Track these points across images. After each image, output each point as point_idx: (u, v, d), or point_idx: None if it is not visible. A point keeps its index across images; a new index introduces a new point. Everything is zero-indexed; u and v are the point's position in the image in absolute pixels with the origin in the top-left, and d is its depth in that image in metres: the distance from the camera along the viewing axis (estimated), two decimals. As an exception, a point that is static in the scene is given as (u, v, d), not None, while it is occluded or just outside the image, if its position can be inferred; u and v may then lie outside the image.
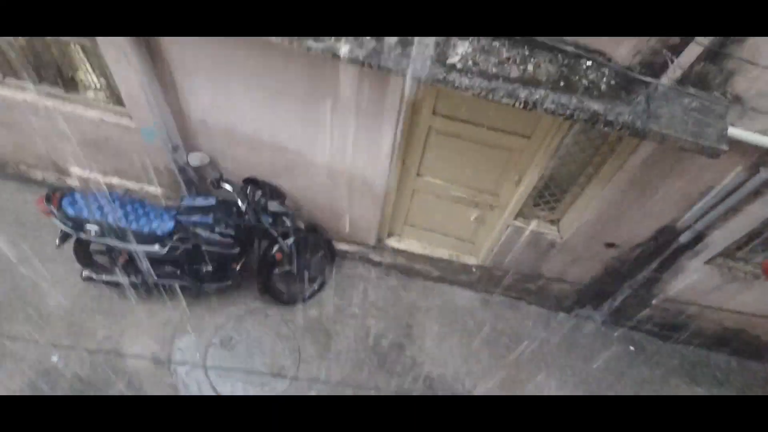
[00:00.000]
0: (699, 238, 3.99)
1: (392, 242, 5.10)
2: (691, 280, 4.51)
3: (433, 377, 4.82)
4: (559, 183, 4.07)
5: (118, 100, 4.09)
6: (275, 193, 4.39)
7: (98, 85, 4.15)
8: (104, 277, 4.44)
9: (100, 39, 3.44)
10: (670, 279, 4.57)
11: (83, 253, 4.42)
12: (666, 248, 4.18)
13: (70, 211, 3.94)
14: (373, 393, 4.65)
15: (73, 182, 5.04)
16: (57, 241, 4.15)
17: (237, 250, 4.34)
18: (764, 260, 1.49)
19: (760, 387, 5.22)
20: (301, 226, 4.61)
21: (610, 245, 4.31)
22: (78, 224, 3.99)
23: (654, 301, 4.91)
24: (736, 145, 3.01)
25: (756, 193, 3.45)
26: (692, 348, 5.40)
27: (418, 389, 4.74)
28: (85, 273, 4.41)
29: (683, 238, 4.01)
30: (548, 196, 4.21)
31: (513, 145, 3.78)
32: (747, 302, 4.55)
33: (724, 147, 2.77)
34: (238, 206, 4.15)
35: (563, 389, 4.90)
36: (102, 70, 3.94)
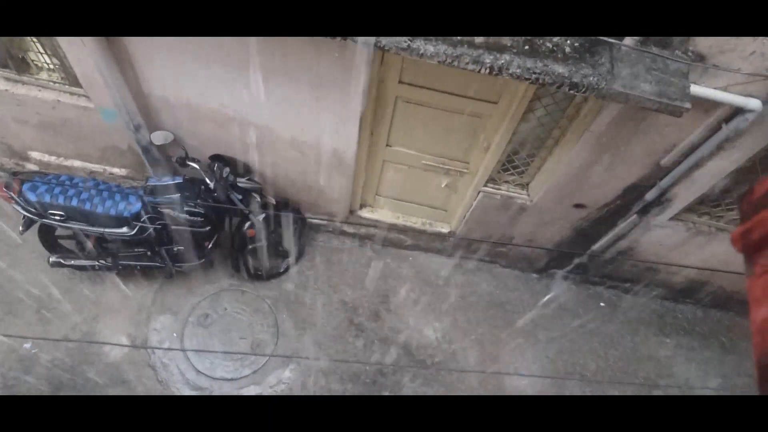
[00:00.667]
0: (664, 194, 4.07)
1: (365, 213, 5.10)
2: (658, 236, 4.63)
3: (412, 344, 4.90)
4: (528, 147, 4.10)
5: (74, 81, 3.93)
6: (243, 169, 4.33)
7: (52, 66, 3.99)
8: (73, 261, 4.37)
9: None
10: (637, 236, 4.67)
11: (49, 239, 4.32)
12: (632, 206, 4.27)
13: (32, 197, 3.83)
14: (353, 362, 4.72)
15: (32, 167, 4.88)
16: (21, 227, 4.05)
17: (208, 228, 4.29)
18: (732, 232, 1.53)
19: (724, 334, 5.44)
20: (272, 201, 4.57)
21: (578, 206, 4.38)
22: (41, 209, 3.89)
23: (622, 258, 5.04)
24: (699, 102, 3.05)
25: (719, 149, 3.52)
26: (660, 301, 5.58)
27: (396, 356, 4.82)
28: (53, 258, 4.33)
29: (649, 196, 4.09)
30: (517, 161, 4.23)
31: (481, 111, 3.77)
32: (711, 255, 4.69)
33: (687, 105, 2.81)
34: (206, 184, 4.09)
35: (539, 350, 5.04)
36: (54, 50, 3.78)
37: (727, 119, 3.26)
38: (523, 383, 4.84)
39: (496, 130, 3.87)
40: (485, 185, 4.38)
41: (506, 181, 4.43)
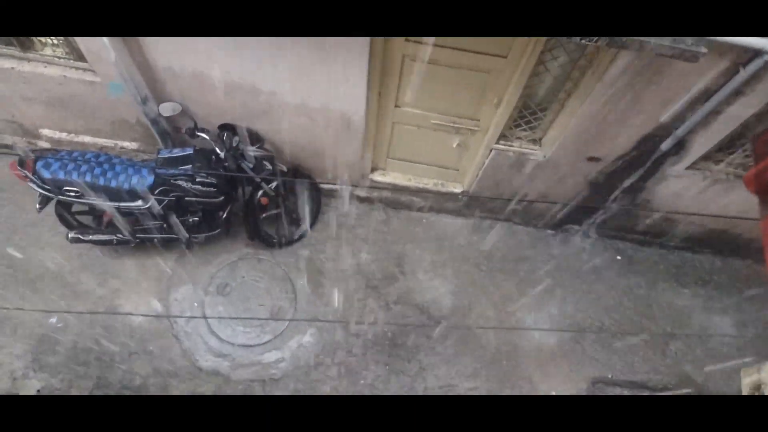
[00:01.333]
0: (680, 144, 4.00)
1: (376, 176, 5.07)
2: (674, 186, 4.57)
3: (429, 304, 4.95)
4: (539, 101, 4.02)
5: (79, 56, 3.91)
6: (253, 137, 4.31)
7: (55, 41, 3.96)
8: (91, 236, 4.42)
9: None
10: (653, 187, 4.62)
11: (66, 215, 4.38)
12: (648, 157, 4.20)
13: (46, 174, 3.87)
14: (371, 325, 4.78)
15: (44, 144, 4.91)
16: (37, 205, 4.10)
17: (221, 198, 4.31)
18: (745, 174, 1.48)
19: (743, 283, 5.41)
20: (283, 168, 4.57)
21: (592, 159, 4.31)
22: (56, 186, 3.94)
23: (638, 210, 4.99)
24: (715, 46, 2.95)
25: (736, 94, 3.43)
26: (677, 252, 5.54)
27: (414, 317, 4.87)
28: (71, 234, 4.39)
29: (664, 146, 4.02)
30: (529, 116, 4.16)
31: (490, 66, 3.69)
32: (729, 203, 4.63)
33: (703, 49, 2.73)
34: (217, 154, 4.09)
35: (556, 305, 5.06)
36: (56, 24, 3.75)
37: (745, 62, 3.15)
38: (540, 337, 4.88)
39: (506, 85, 3.79)
40: (497, 142, 4.32)
41: (518, 138, 4.37)
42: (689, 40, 2.72)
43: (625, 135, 3.98)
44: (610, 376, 4.80)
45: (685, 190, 4.59)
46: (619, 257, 5.45)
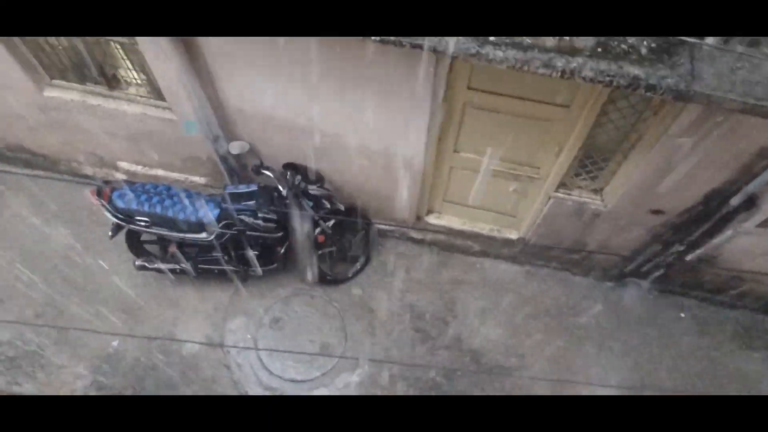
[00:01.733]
0: (751, 200, 3.84)
1: (432, 219, 5.11)
2: (744, 244, 4.37)
3: (479, 352, 4.86)
4: (602, 151, 3.97)
5: (159, 95, 4.19)
6: (314, 176, 4.45)
7: (139, 81, 4.27)
8: (156, 265, 4.61)
9: (139, 37, 3.52)
10: (720, 243, 4.42)
11: (135, 243, 4.61)
12: (716, 212, 4.05)
13: (121, 204, 4.11)
14: (419, 365, 4.73)
15: (120, 176, 5.23)
16: (110, 232, 4.35)
17: (280, 234, 4.44)
18: None
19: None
20: (341, 207, 4.67)
21: (656, 212, 4.20)
22: (128, 216, 4.17)
23: (704, 267, 4.78)
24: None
25: (811, 151, 3.30)
26: (746, 312, 5.23)
27: (462, 363, 4.78)
28: (138, 262, 4.60)
29: (734, 201, 3.87)
30: (590, 165, 4.11)
31: (552, 116, 3.70)
32: (804, 264, 4.39)
33: (774, 105, 2.65)
34: (279, 191, 4.23)
35: (613, 361, 4.86)
36: (142, 66, 4.05)
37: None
38: (594, 393, 4.68)
39: (568, 134, 3.78)
40: (556, 190, 4.28)
41: (579, 187, 4.31)
42: (761, 93, 2.65)
43: (692, 188, 3.86)
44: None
45: (755, 248, 4.38)
46: (682, 314, 5.20)
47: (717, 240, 4.34)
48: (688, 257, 4.60)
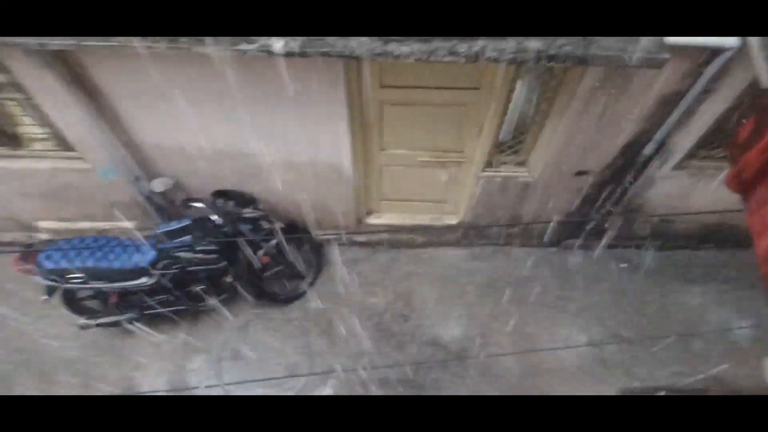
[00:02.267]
0: (662, 146, 4.07)
1: (372, 219, 5.14)
2: (664, 188, 4.62)
3: (443, 339, 4.93)
4: (518, 125, 4.10)
5: (67, 146, 4.03)
6: (246, 199, 4.39)
7: (44, 135, 4.08)
8: (100, 320, 4.44)
9: (33, 91, 3.37)
10: (643, 192, 4.67)
11: (73, 302, 4.42)
12: (633, 163, 4.27)
13: (49, 265, 3.93)
14: (390, 367, 4.75)
15: (44, 236, 4.99)
16: (45, 296, 4.14)
17: (223, 263, 4.35)
18: (725, 175, 1.57)
19: (751, 272, 5.38)
20: (280, 225, 4.62)
21: (580, 173, 4.39)
22: (60, 276, 3.98)
23: (633, 216, 5.03)
24: (677, 50, 3.05)
25: (705, 92, 3.53)
26: (679, 251, 5.54)
27: (430, 353, 4.84)
28: (81, 321, 4.42)
29: (647, 150, 4.10)
30: (511, 141, 4.25)
31: (465, 100, 3.80)
32: (720, 197, 4.66)
33: (666, 55, 2.82)
34: (213, 221, 4.15)
35: (571, 321, 5.03)
36: (43, 119, 3.87)
37: (707, 62, 3.26)
38: (560, 356, 4.84)
39: (484, 114, 3.90)
40: (483, 170, 4.41)
41: (504, 162, 4.45)
42: (651, 48, 2.82)
43: (608, 146, 4.07)
44: (636, 385, 4.74)
45: (674, 190, 4.64)
46: (623, 265, 5.45)
47: (639, 189, 4.58)
48: (617, 210, 4.83)
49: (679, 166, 4.36)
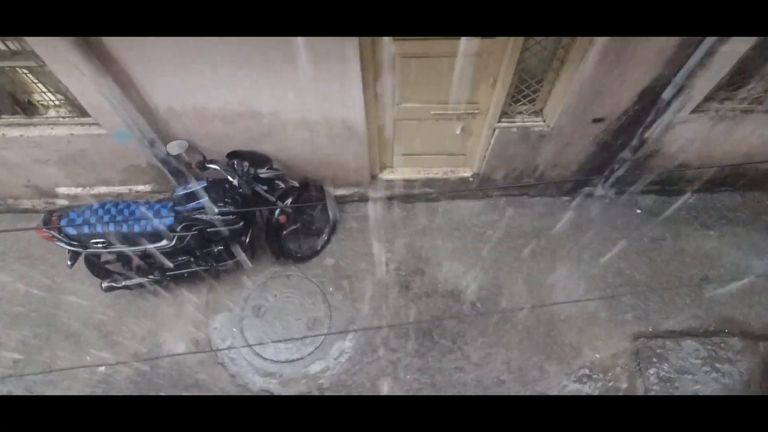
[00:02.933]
0: (681, 90, 3.99)
1: (386, 175, 5.14)
2: (682, 132, 4.56)
3: (459, 291, 5.00)
4: (534, 73, 4.04)
5: (82, 112, 4.02)
6: (261, 159, 4.39)
7: (57, 102, 4.07)
8: (124, 282, 4.53)
9: (46, 58, 3.34)
10: (660, 136, 4.61)
11: (96, 266, 4.50)
12: (651, 108, 4.21)
13: (71, 231, 3.98)
14: (409, 321, 4.85)
15: (62, 201, 5.04)
16: (68, 261, 4.22)
17: (241, 223, 4.40)
18: None
19: (766, 214, 5.39)
20: (295, 184, 4.64)
21: (597, 120, 4.32)
22: (82, 241, 4.05)
23: (649, 162, 4.99)
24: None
25: (727, 32, 3.43)
26: (695, 195, 5.51)
27: (446, 306, 4.92)
28: (105, 284, 4.51)
29: (666, 95, 4.02)
30: (526, 90, 4.18)
31: (480, 49, 3.72)
32: (739, 138, 4.62)
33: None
34: (230, 182, 4.17)
35: (583, 268, 5.08)
36: (56, 86, 3.85)
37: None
38: (576, 303, 4.90)
39: (499, 63, 3.82)
40: (499, 121, 4.36)
41: (519, 113, 4.39)
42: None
43: (625, 91, 3.99)
44: (650, 330, 4.82)
45: (693, 134, 4.58)
46: (639, 210, 5.45)
47: (657, 133, 4.52)
48: (634, 156, 4.79)
49: (698, 110, 4.29)
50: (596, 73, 3.74)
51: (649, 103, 4.15)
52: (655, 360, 4.66)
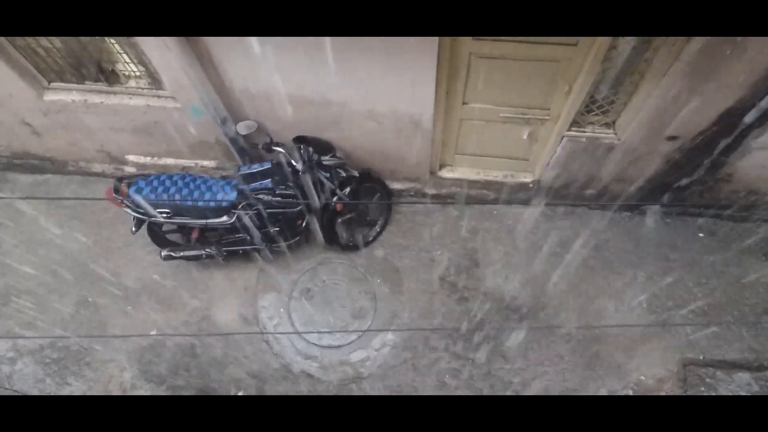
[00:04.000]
0: (765, 115, 3.83)
1: (445, 173, 5.12)
2: (759, 159, 4.38)
3: (506, 296, 4.95)
4: (612, 84, 3.94)
5: (160, 85, 4.16)
6: (326, 146, 4.45)
7: (138, 73, 4.22)
8: (182, 253, 4.67)
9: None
10: (735, 161, 4.44)
11: (158, 235, 4.66)
12: (730, 131, 4.05)
13: (139, 198, 4.13)
14: (454, 322, 4.84)
15: (130, 169, 5.23)
16: (132, 228, 4.38)
17: (299, 207, 4.47)
18: None
19: (839, 250, 5.14)
20: (355, 173, 4.68)
21: (670, 138, 4.19)
22: (148, 210, 4.20)
23: (720, 185, 4.81)
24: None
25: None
26: (762, 225, 5.28)
27: (491, 310, 4.89)
28: (164, 253, 4.65)
29: (748, 119, 3.86)
30: (601, 100, 4.09)
31: (559, 55, 3.66)
32: (819, 170, 4.41)
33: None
34: (293, 166, 4.24)
35: (637, 287, 4.95)
36: (140, 58, 3.99)
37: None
38: (626, 322, 4.80)
39: (577, 72, 3.75)
40: (569, 129, 4.28)
41: (591, 123, 4.30)
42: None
43: (706, 111, 3.85)
44: (701, 358, 4.67)
45: (770, 161, 4.41)
46: (701, 234, 5.26)
47: (732, 158, 4.36)
48: (705, 178, 4.63)
49: (779, 137, 4.11)
50: (677, 90, 3.63)
51: (728, 125, 3.99)
52: (702, 389, 4.53)
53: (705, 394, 4.48)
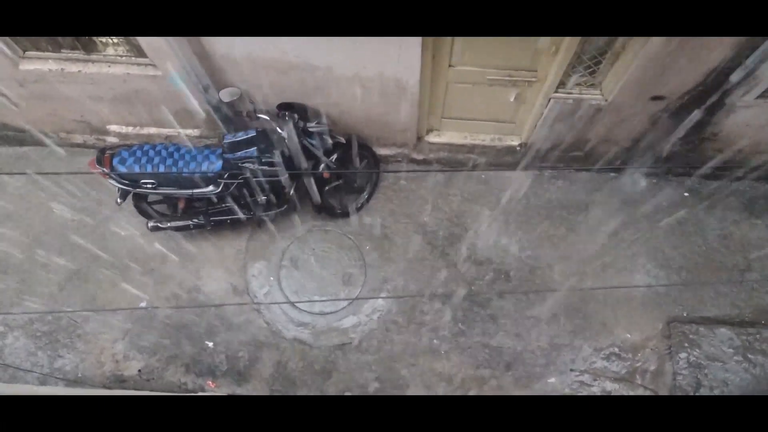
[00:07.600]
0: (750, 73, 3.83)
1: (432, 137, 5.09)
2: (744, 117, 4.40)
3: (495, 259, 5.01)
4: (598, 44, 3.90)
5: (139, 52, 4.04)
6: (311, 113, 4.39)
7: (116, 41, 4.09)
8: (169, 224, 4.63)
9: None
10: (720, 120, 4.46)
11: (144, 206, 4.61)
12: (715, 90, 4.05)
13: (123, 169, 4.08)
14: (444, 286, 4.89)
15: (112, 139, 5.14)
16: (118, 199, 4.33)
17: (286, 175, 4.43)
18: None
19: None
20: (342, 140, 4.63)
21: (656, 98, 4.19)
22: (133, 180, 4.14)
23: (705, 145, 4.84)
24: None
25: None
26: (746, 183, 5.34)
27: (479, 274, 4.94)
28: (151, 224, 4.61)
29: (734, 77, 3.86)
30: (588, 61, 4.05)
31: (545, 15, 3.61)
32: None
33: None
34: (278, 133, 4.19)
35: (624, 246, 5.02)
36: (116, 24, 3.87)
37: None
38: (612, 282, 4.88)
39: (564, 32, 3.70)
40: (555, 91, 4.25)
41: (578, 84, 4.26)
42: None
43: (692, 70, 3.84)
44: (685, 315, 4.78)
45: (755, 120, 4.42)
46: (686, 194, 5.31)
47: (717, 117, 4.38)
48: (690, 138, 4.65)
49: (764, 95, 4.11)
50: (665, 50, 3.60)
51: (714, 84, 3.99)
52: (686, 345, 4.65)
53: (688, 350, 4.60)
